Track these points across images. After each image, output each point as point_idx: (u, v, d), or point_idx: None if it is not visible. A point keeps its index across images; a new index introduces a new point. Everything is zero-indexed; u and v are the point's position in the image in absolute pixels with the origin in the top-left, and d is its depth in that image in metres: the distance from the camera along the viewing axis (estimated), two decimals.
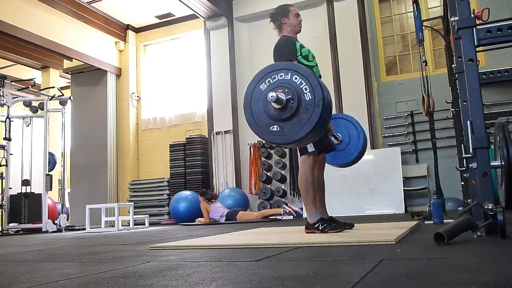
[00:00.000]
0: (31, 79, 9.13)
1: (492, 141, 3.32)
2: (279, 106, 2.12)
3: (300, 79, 2.15)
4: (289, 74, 2.18)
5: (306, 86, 2.13)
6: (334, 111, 3.56)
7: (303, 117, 2.12)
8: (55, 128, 8.46)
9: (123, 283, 1.31)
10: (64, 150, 7.40)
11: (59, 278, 1.49)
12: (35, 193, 6.89)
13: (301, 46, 3.00)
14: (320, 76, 2.96)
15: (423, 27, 4.26)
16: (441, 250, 1.69)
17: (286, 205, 6.55)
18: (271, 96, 2.10)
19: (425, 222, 3.43)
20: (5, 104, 6.83)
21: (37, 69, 10.27)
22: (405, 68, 7.37)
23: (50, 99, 7.27)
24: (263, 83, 2.23)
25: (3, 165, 6.86)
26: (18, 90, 8.26)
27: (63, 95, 7.53)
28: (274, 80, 2.20)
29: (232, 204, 6.85)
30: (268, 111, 2.18)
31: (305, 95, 2.13)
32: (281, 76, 2.19)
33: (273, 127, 2.19)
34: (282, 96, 2.13)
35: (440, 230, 1.84)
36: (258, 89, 2.24)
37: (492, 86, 6.00)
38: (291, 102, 2.12)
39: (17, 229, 6.94)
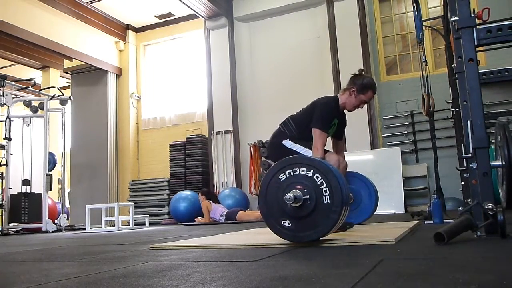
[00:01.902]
0: (31, 79, 9.13)
1: (493, 141, 3.31)
2: (297, 205, 2.03)
3: (322, 179, 2.03)
4: (311, 171, 2.05)
5: (327, 188, 2.01)
6: None
7: (318, 220, 2.02)
8: (55, 128, 8.46)
9: (123, 283, 1.31)
10: (64, 150, 7.40)
11: (59, 278, 1.49)
12: (35, 193, 6.89)
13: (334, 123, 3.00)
14: (336, 124, 3.01)
15: (423, 27, 4.26)
16: (441, 250, 1.69)
17: None
18: (289, 198, 2.00)
19: (425, 222, 3.43)
20: (5, 104, 6.83)
21: (37, 69, 10.28)
22: (405, 68, 7.37)
23: (50, 99, 7.28)
24: (283, 174, 2.11)
25: (3, 165, 6.86)
26: (18, 90, 8.25)
27: (63, 95, 7.53)
28: (295, 173, 2.09)
29: (232, 204, 6.85)
30: (283, 205, 2.07)
31: (323, 197, 2.01)
32: (302, 171, 2.07)
33: (285, 222, 2.09)
34: (300, 194, 2.02)
35: (440, 230, 1.84)
36: (276, 178, 2.13)
37: (492, 86, 6.00)
38: (308, 202, 2.02)
39: (17, 229, 6.94)
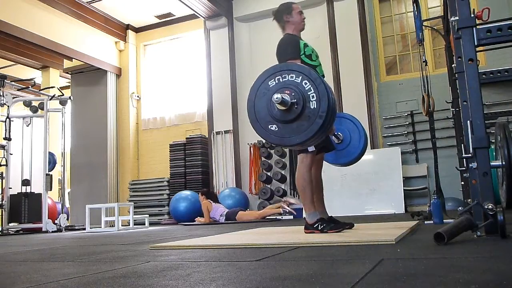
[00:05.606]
0: (31, 79, 9.12)
1: (493, 141, 3.31)
2: (283, 108, 2.08)
3: (310, 86, 2.08)
4: (300, 77, 2.12)
5: (314, 94, 2.07)
6: None
7: (303, 124, 2.07)
8: (55, 128, 8.46)
9: (123, 283, 1.31)
10: (64, 150, 7.40)
11: (59, 278, 1.49)
12: (35, 193, 6.89)
13: (305, 45, 2.93)
14: (323, 76, 2.93)
15: (423, 27, 4.26)
16: (441, 250, 1.69)
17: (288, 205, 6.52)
18: (276, 98, 2.05)
19: (425, 222, 3.43)
20: (5, 104, 6.83)
21: (37, 69, 10.27)
22: (405, 68, 7.37)
23: (50, 99, 7.27)
24: (272, 80, 2.17)
25: (3, 165, 6.86)
26: (18, 90, 8.26)
27: (63, 95, 7.53)
28: (284, 79, 2.15)
29: (232, 204, 6.85)
30: (271, 109, 2.13)
31: (310, 102, 2.07)
32: (291, 77, 2.13)
33: (272, 126, 2.15)
34: (288, 98, 2.07)
35: (440, 230, 1.84)
36: (266, 84, 2.19)
37: (492, 86, 6.01)
38: (295, 106, 2.07)
39: (17, 229, 6.94)
